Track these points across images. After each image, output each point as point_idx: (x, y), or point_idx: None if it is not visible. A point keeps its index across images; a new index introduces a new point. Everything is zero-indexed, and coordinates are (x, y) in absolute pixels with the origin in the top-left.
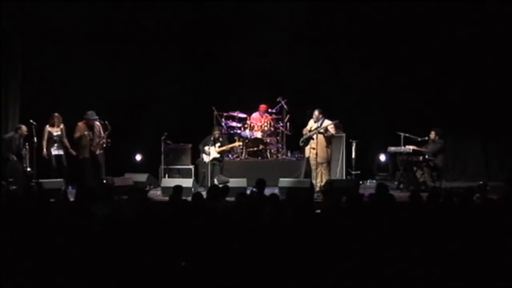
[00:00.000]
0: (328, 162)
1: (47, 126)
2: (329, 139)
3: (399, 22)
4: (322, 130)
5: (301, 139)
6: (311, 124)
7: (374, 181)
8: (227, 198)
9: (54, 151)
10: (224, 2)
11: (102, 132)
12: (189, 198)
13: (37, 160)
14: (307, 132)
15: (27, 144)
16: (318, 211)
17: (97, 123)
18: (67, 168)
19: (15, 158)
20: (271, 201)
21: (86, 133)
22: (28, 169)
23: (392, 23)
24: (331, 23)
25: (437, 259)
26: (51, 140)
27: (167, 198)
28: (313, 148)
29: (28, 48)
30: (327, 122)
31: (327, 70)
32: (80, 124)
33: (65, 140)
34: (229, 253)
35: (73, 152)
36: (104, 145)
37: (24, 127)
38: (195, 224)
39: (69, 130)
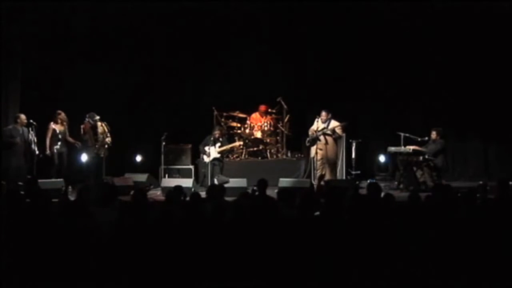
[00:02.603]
0: (334, 163)
1: (52, 123)
2: (335, 140)
3: (399, 23)
4: (329, 132)
5: (307, 139)
6: (318, 125)
7: (374, 181)
8: (226, 198)
9: (58, 150)
10: (225, 3)
11: (106, 132)
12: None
13: (39, 158)
14: (314, 132)
15: (31, 129)
16: (317, 213)
17: (99, 123)
18: (67, 168)
19: (18, 141)
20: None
21: (90, 134)
22: (37, 152)
23: (392, 23)
24: (331, 23)
25: (438, 259)
26: (55, 137)
27: None
28: (320, 149)
29: (28, 48)
30: (334, 123)
31: (327, 70)
32: (85, 125)
33: (69, 138)
34: (226, 253)
35: (78, 144)
36: (106, 146)
37: (23, 116)
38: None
39: (70, 130)
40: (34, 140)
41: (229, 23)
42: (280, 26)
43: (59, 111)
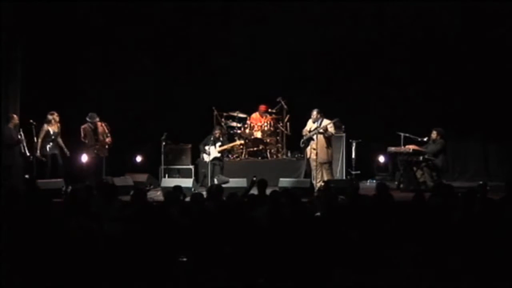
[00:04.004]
0: (330, 163)
1: (45, 124)
2: (329, 139)
3: (399, 22)
4: (321, 130)
5: (302, 140)
6: (310, 125)
7: (374, 181)
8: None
9: (50, 150)
10: (225, 3)
11: (106, 132)
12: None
13: (31, 160)
14: (307, 133)
15: (21, 129)
16: (318, 213)
17: (99, 124)
18: (63, 168)
19: (18, 142)
20: (270, 200)
21: (91, 134)
22: (27, 154)
23: (392, 23)
24: (332, 23)
25: (438, 258)
26: (48, 138)
27: None
28: (314, 149)
29: (29, 48)
30: (326, 122)
31: (327, 70)
32: (85, 126)
33: (60, 140)
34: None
35: (67, 152)
36: (107, 146)
37: (15, 116)
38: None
39: (70, 130)
40: (24, 143)
41: (230, 23)
42: (280, 26)
43: (52, 112)
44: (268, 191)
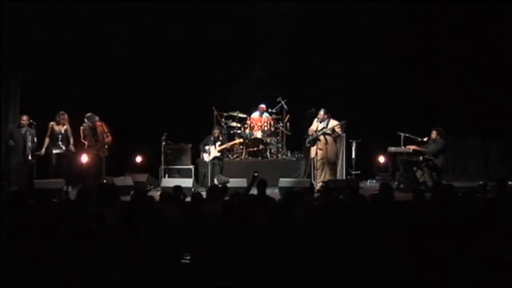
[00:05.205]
0: (334, 163)
1: (53, 123)
2: (335, 140)
3: (399, 20)
4: (329, 131)
5: (307, 139)
6: (316, 125)
7: (374, 181)
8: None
9: (55, 150)
10: (225, 3)
11: (106, 132)
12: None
13: (37, 158)
14: (313, 132)
15: (30, 128)
16: None
17: (99, 124)
18: (67, 168)
19: (13, 143)
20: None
21: (90, 135)
22: (29, 157)
23: (392, 21)
24: (331, 22)
25: (438, 257)
26: (54, 137)
27: None
28: (320, 149)
29: (29, 48)
30: (333, 123)
31: (327, 70)
32: (84, 127)
33: (71, 139)
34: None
35: (72, 149)
36: (106, 146)
37: (23, 117)
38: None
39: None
40: (30, 140)
41: (230, 23)
42: (280, 27)
43: (63, 112)
44: (268, 191)
